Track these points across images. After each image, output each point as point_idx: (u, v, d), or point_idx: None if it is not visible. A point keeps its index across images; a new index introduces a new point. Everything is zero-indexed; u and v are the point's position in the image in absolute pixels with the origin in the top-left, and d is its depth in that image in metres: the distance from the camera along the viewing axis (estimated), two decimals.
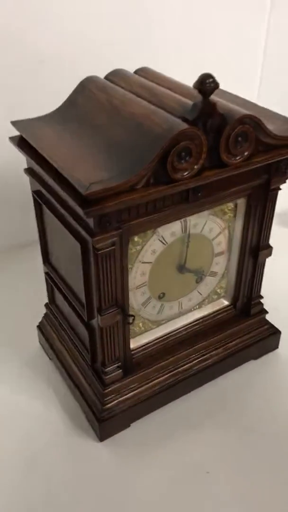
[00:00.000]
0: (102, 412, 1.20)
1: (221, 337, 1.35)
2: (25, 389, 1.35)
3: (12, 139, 1.13)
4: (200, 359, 1.32)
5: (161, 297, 1.23)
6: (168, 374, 1.28)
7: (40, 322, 1.45)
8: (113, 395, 1.21)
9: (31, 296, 1.63)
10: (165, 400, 1.30)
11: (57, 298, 1.33)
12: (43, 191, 1.11)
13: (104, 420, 1.20)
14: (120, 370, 1.20)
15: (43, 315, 1.44)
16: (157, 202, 1.01)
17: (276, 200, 1.21)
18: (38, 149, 1.03)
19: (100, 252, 0.98)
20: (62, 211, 1.04)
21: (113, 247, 1.00)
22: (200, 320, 1.33)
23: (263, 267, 1.32)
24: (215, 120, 0.96)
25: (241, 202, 1.19)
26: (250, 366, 1.42)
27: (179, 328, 1.30)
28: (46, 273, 1.32)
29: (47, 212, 1.17)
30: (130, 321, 1.12)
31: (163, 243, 1.14)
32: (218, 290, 1.34)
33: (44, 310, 1.43)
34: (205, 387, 1.35)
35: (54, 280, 1.28)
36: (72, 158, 0.98)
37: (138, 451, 1.21)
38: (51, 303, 1.38)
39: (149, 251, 1.12)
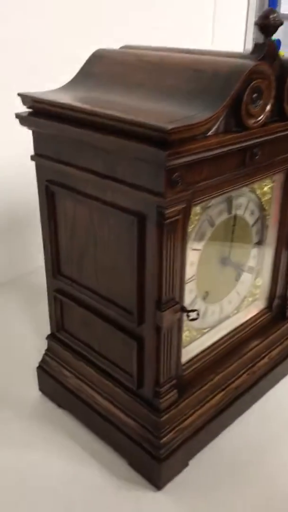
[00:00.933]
0: (160, 448, 0.93)
1: (264, 345, 1.16)
2: (42, 447, 1.04)
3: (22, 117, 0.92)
4: (248, 372, 1.12)
5: (205, 297, 1.03)
6: (221, 394, 1.05)
7: (42, 361, 1.16)
8: (169, 425, 0.95)
9: (15, 340, 1.34)
10: (220, 427, 1.06)
11: (70, 320, 1.07)
12: (66, 172, 0.90)
13: (165, 459, 0.93)
14: (175, 390, 0.96)
15: (43, 352, 1.16)
16: (219, 162, 0.84)
17: None
18: (79, 105, 0.83)
19: (168, 221, 0.78)
20: (105, 182, 0.84)
21: (178, 217, 0.81)
22: (241, 327, 1.14)
23: None
24: (277, 64, 0.85)
25: (277, 184, 1.07)
26: None
27: (223, 337, 1.10)
28: (56, 291, 1.06)
29: (64, 204, 0.95)
30: (195, 316, 0.91)
31: (210, 224, 0.96)
32: (253, 291, 1.17)
33: (36, 350, 1.15)
34: (258, 405, 1.14)
35: (71, 295, 1.03)
36: (128, 109, 0.80)
37: (205, 496, 0.94)
38: (59, 331, 1.11)
39: (199, 233, 0.94)
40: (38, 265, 1.73)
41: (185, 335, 1.01)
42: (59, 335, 1.11)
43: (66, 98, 0.88)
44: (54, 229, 1.00)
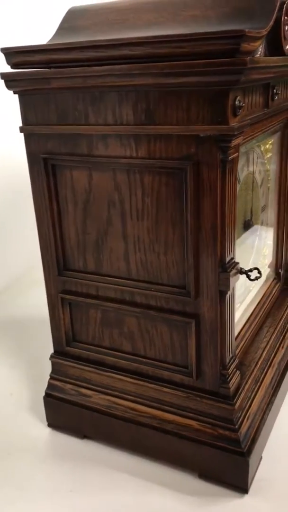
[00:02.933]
0: (242, 441, 0.78)
1: (285, 318, 1.08)
2: (85, 492, 0.82)
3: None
4: (282, 345, 1.02)
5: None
6: (270, 369, 0.94)
7: (48, 388, 0.94)
8: (240, 412, 0.81)
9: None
10: (277, 409, 0.94)
11: (84, 326, 0.88)
12: (75, 136, 0.75)
13: (249, 452, 0.78)
14: (238, 372, 0.82)
15: (48, 381, 0.95)
16: (252, 101, 0.75)
17: None
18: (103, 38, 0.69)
19: (230, 158, 0.67)
20: (141, 133, 0.70)
21: (237, 155, 0.70)
22: (263, 300, 1.05)
23: None
24: None
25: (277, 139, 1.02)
26: None
27: (253, 312, 0.99)
28: (63, 292, 0.87)
29: (71, 177, 0.79)
30: (258, 275, 0.79)
31: (238, 179, 0.86)
32: (262, 260, 1.09)
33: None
34: None
35: (86, 292, 0.85)
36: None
37: None
38: (69, 344, 0.91)
39: None
40: None
41: None
42: (70, 349, 0.91)
43: (70, 43, 0.73)
44: (58, 213, 0.83)
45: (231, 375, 0.79)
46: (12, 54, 0.74)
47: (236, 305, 0.93)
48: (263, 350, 0.93)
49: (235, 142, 0.67)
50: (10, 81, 0.75)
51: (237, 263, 0.76)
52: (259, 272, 0.81)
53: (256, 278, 0.80)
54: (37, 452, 0.91)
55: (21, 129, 0.80)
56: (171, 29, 0.74)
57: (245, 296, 0.99)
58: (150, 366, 0.84)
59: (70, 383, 0.92)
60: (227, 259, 0.73)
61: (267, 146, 1.00)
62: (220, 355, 0.78)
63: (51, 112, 0.76)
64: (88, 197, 0.79)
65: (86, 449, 0.90)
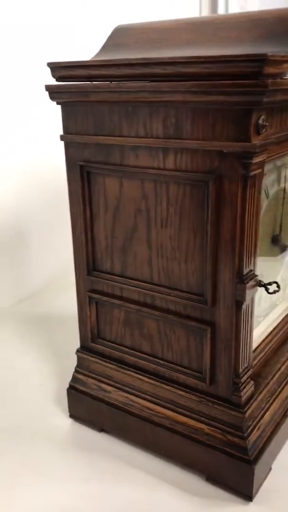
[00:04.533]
0: (249, 449, 0.80)
1: None
2: (95, 481, 0.87)
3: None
4: None
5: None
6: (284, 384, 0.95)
7: (72, 380, 1.00)
8: (251, 421, 0.83)
9: (20, 372, 1.16)
10: None
11: (109, 325, 0.93)
12: (109, 145, 0.80)
13: (255, 461, 0.80)
14: (252, 382, 0.84)
15: (73, 371, 1.00)
16: (282, 119, 0.78)
17: None
18: (138, 57, 0.74)
19: (252, 174, 0.70)
20: (168, 146, 0.74)
21: (260, 171, 0.72)
22: None
23: None
24: None
25: None
26: None
27: (277, 326, 1.00)
28: (91, 291, 0.92)
29: (104, 183, 0.84)
30: (276, 287, 0.81)
31: (266, 194, 0.89)
32: None
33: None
34: None
35: (111, 293, 0.90)
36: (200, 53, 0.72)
37: None
38: (94, 340, 0.96)
39: None
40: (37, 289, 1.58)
41: None
42: (94, 345, 0.96)
43: (108, 60, 0.78)
44: (90, 217, 0.88)
45: (244, 384, 0.82)
46: (56, 68, 0.81)
47: (260, 318, 0.96)
48: (282, 364, 0.94)
49: (257, 159, 0.69)
50: (54, 93, 0.82)
51: (256, 275, 0.78)
52: (278, 286, 0.83)
53: (274, 292, 0.82)
54: (57, 441, 0.96)
55: (61, 137, 0.86)
56: (205, 49, 0.78)
57: (271, 310, 1.01)
58: (166, 368, 0.88)
59: (92, 378, 0.97)
60: (245, 271, 0.76)
61: None
62: (234, 363, 0.80)
63: (89, 123, 0.82)
64: (118, 204, 0.84)
65: (103, 442, 0.95)
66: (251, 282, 0.76)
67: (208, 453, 0.83)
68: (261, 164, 0.72)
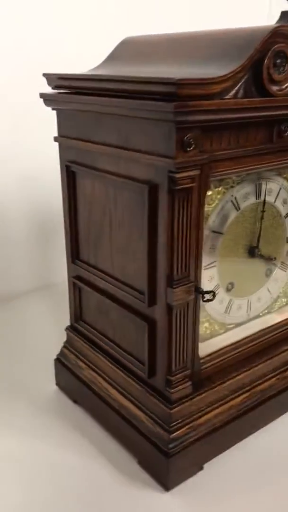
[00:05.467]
0: (170, 443, 0.86)
1: None
2: (51, 442, 0.98)
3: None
4: (278, 376, 1.02)
5: (229, 288, 0.97)
6: (245, 395, 0.97)
7: (59, 354, 1.13)
8: (181, 419, 0.88)
9: (40, 342, 1.32)
10: (243, 432, 0.97)
11: (88, 309, 1.04)
12: (85, 148, 0.89)
13: (173, 455, 0.85)
14: (189, 382, 0.89)
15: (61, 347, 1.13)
16: (241, 133, 0.80)
17: None
18: (94, 74, 0.82)
19: (179, 187, 0.74)
20: (117, 152, 0.82)
21: (192, 185, 0.76)
22: (273, 328, 1.05)
23: None
24: None
25: None
26: None
27: (251, 336, 1.01)
28: (75, 277, 1.03)
29: (83, 183, 0.93)
30: (210, 297, 0.85)
31: (235, 207, 0.91)
32: (285, 288, 1.09)
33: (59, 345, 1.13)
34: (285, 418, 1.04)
35: (88, 280, 1.00)
36: (149, 74, 0.78)
37: (219, 503, 0.85)
38: (77, 321, 1.07)
39: (221, 215, 0.89)
40: None
41: (205, 326, 0.95)
42: (78, 326, 1.08)
43: (88, 74, 0.88)
44: (74, 212, 0.99)
45: (177, 382, 0.87)
46: (49, 79, 0.92)
47: (231, 325, 0.99)
48: (240, 374, 0.96)
49: (182, 174, 0.74)
50: (45, 100, 0.93)
51: (191, 282, 0.82)
52: (214, 295, 0.85)
53: (208, 300, 0.85)
54: (37, 401, 1.09)
55: (55, 139, 0.97)
56: (170, 64, 0.83)
57: (249, 320, 1.02)
58: (122, 355, 0.96)
59: (73, 354, 1.09)
60: (177, 276, 0.80)
61: None
62: (168, 361, 0.86)
63: (72, 128, 0.92)
64: (92, 203, 0.93)
65: (72, 411, 1.06)
66: (182, 288, 0.81)
67: (140, 440, 0.90)
68: (194, 179, 0.76)
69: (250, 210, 0.94)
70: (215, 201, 0.87)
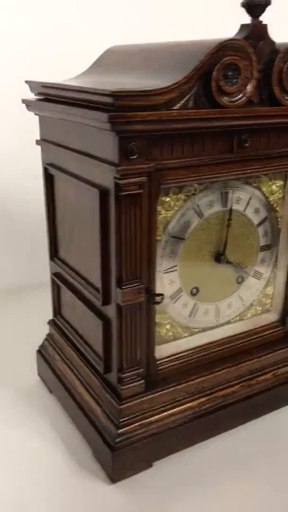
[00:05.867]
0: (116, 437, 0.89)
1: (269, 360, 1.07)
2: (20, 426, 1.05)
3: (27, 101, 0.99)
4: (243, 384, 1.03)
5: (194, 293, 0.99)
6: (205, 398, 0.99)
7: (41, 345, 1.19)
8: (132, 415, 0.91)
9: (31, 333, 1.38)
10: (200, 434, 0.98)
11: (64, 304, 1.09)
12: (58, 152, 0.94)
13: (119, 449, 0.89)
14: (142, 381, 0.92)
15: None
16: (196, 142, 0.82)
17: None
18: (60, 84, 0.87)
19: (122, 193, 0.78)
20: (80, 157, 0.86)
21: (139, 191, 0.79)
22: (242, 335, 1.06)
23: None
24: (266, 45, 0.82)
25: None
26: None
27: (217, 341, 1.03)
28: (53, 274, 1.09)
29: (59, 185, 0.99)
30: (159, 299, 0.87)
31: (198, 214, 0.93)
32: (264, 300, 1.09)
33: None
34: (253, 424, 1.04)
35: (63, 277, 1.05)
36: (101, 86, 0.82)
37: (161, 501, 0.88)
38: (56, 315, 1.13)
39: (181, 222, 0.91)
40: None
41: (166, 328, 0.97)
42: (56, 320, 1.13)
43: (64, 83, 0.93)
44: (53, 211, 1.04)
45: (128, 380, 0.90)
46: (31, 86, 0.98)
47: (196, 329, 1.01)
48: (200, 377, 0.98)
49: (126, 181, 0.77)
50: (26, 106, 0.99)
51: (141, 284, 0.85)
52: (162, 299, 0.88)
53: (156, 303, 0.87)
54: (18, 391, 1.15)
55: (37, 142, 1.03)
56: (133, 77, 0.86)
57: (218, 326, 1.04)
58: (86, 351, 1.00)
59: (52, 346, 1.14)
60: (127, 278, 0.84)
61: (273, 187, 1.00)
62: (119, 359, 0.89)
63: (49, 133, 0.98)
64: (65, 203, 0.98)
65: (46, 400, 1.12)
66: (131, 289, 0.84)
67: (94, 433, 0.94)
68: (142, 185, 0.79)
69: (216, 218, 0.96)
70: (174, 208, 0.89)
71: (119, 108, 0.71)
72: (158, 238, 0.89)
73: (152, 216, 0.83)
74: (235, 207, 0.97)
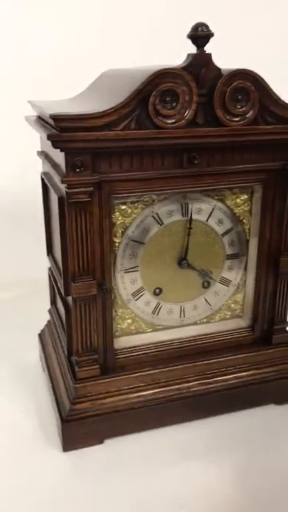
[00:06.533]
0: (68, 412, 1.03)
1: (232, 362, 1.13)
2: (6, 396, 1.22)
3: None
4: (201, 381, 1.11)
5: (157, 293, 1.09)
6: (158, 389, 1.08)
7: (41, 330, 1.35)
8: (86, 395, 1.04)
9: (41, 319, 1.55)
10: (152, 421, 1.08)
11: (56, 295, 1.24)
12: (49, 166, 1.10)
13: (70, 421, 1.02)
14: (97, 366, 1.04)
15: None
16: (145, 158, 0.93)
17: None
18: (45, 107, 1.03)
19: (71, 201, 0.91)
20: (53, 168, 1.01)
21: (88, 199, 0.92)
22: (207, 336, 1.14)
23: None
24: (210, 72, 0.90)
25: (258, 193, 1.06)
26: (269, 412, 1.15)
27: (179, 339, 1.12)
28: (49, 268, 1.25)
29: (50, 191, 1.14)
30: (105, 290, 0.99)
31: (158, 222, 1.03)
32: (233, 306, 1.16)
33: None
34: (207, 422, 1.12)
35: (53, 271, 1.21)
36: (71, 109, 0.97)
37: (106, 474, 0.99)
38: (52, 304, 1.29)
39: (141, 227, 1.02)
40: None
41: (127, 322, 1.09)
42: (52, 309, 1.29)
43: (53, 104, 1.07)
44: (47, 212, 1.20)
45: (84, 364, 1.02)
46: (32, 106, 1.14)
47: (160, 326, 1.11)
48: (154, 369, 1.08)
49: (73, 190, 0.90)
50: (27, 121, 1.16)
51: (92, 279, 0.97)
52: (110, 293, 0.99)
53: (104, 292, 0.99)
54: (21, 370, 1.33)
55: (37, 153, 1.19)
56: (95, 101, 0.99)
57: (183, 325, 1.13)
58: (63, 335, 1.15)
59: (48, 331, 1.30)
60: (79, 273, 0.96)
61: (237, 200, 1.07)
62: (76, 343, 1.02)
63: (43, 146, 1.14)
64: (52, 208, 1.14)
65: (40, 378, 1.28)
66: (82, 283, 0.97)
67: (56, 406, 1.08)
68: (90, 194, 0.91)
69: (177, 226, 1.05)
70: (132, 215, 1.01)
71: (62, 129, 0.85)
72: (117, 240, 1.01)
73: (104, 221, 0.95)
74: (196, 217, 1.05)
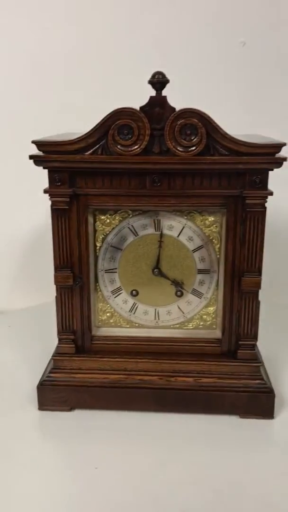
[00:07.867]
0: (44, 377, 1.28)
1: (195, 367, 1.26)
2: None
3: None
4: (162, 377, 1.26)
5: (134, 294, 1.28)
6: (124, 376, 1.26)
7: None
8: (61, 367, 1.28)
9: None
10: (116, 403, 1.26)
11: None
12: None
13: (44, 385, 1.27)
14: (73, 345, 1.27)
15: None
16: (114, 178, 1.17)
17: (262, 220, 1.17)
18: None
19: (54, 207, 1.19)
20: None
21: (66, 207, 1.18)
22: (178, 340, 1.29)
23: (255, 302, 1.22)
24: (166, 111, 1.11)
25: (225, 216, 1.20)
26: (230, 422, 1.24)
27: (152, 338, 1.29)
28: None
29: None
30: (78, 283, 1.23)
31: (133, 233, 1.24)
32: (206, 317, 1.29)
33: None
34: (163, 416, 1.25)
35: None
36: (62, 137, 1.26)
37: (69, 433, 1.20)
38: None
39: (119, 236, 1.24)
40: None
41: (107, 315, 1.30)
42: None
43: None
44: None
45: (62, 341, 1.27)
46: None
47: (136, 324, 1.30)
48: (122, 358, 1.26)
49: (54, 199, 1.17)
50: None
51: (70, 272, 1.22)
52: (79, 281, 1.22)
53: (76, 283, 1.21)
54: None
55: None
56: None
57: (158, 326, 1.30)
58: None
59: None
60: (59, 265, 1.22)
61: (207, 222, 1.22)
62: (60, 323, 1.27)
63: None
64: None
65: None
66: (61, 274, 1.22)
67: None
68: (68, 203, 1.18)
69: (151, 238, 1.24)
70: (110, 224, 1.24)
71: (43, 152, 1.14)
72: (98, 244, 1.25)
73: (81, 227, 1.21)
74: (168, 232, 1.24)
